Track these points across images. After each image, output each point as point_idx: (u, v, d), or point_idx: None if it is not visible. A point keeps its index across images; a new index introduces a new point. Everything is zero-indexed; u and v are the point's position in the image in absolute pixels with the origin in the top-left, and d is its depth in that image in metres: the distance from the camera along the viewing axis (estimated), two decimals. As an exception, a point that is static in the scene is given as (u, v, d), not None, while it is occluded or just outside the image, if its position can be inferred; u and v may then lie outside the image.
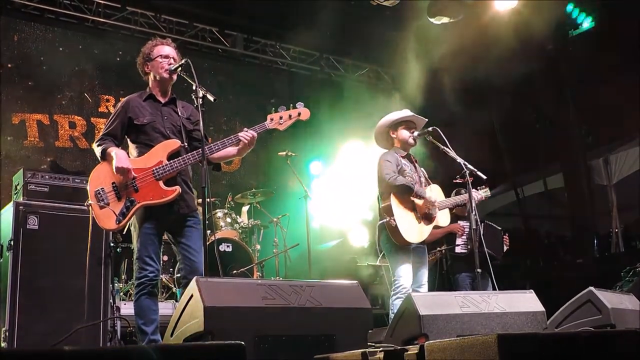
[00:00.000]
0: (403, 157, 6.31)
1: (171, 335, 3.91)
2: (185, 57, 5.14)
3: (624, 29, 9.07)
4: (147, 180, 4.91)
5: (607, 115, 9.30)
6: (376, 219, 6.43)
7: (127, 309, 6.83)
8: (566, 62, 10.20)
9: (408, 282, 5.99)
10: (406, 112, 6.43)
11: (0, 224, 6.30)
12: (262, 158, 10.77)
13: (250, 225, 8.68)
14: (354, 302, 4.23)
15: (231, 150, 5.15)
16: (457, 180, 6.45)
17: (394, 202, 6.06)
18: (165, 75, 5.14)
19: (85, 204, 5.01)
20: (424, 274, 6.26)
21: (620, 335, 3.32)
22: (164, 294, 7.75)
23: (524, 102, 10.77)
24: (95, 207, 4.91)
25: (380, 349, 3.81)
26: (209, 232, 5.38)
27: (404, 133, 6.34)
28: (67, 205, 6.16)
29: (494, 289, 5.86)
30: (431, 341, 3.53)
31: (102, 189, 4.93)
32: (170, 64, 5.14)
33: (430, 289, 6.52)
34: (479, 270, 5.77)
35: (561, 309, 5.24)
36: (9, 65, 9.18)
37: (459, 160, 6.11)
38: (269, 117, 5.17)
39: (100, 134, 5.23)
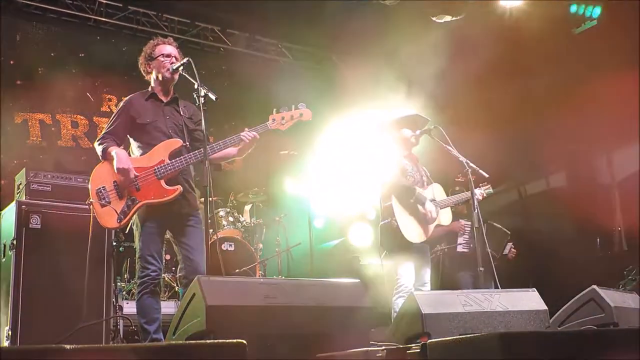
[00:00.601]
0: (405, 156, 6.31)
1: (173, 334, 3.91)
2: (186, 56, 5.15)
3: (628, 26, 9.05)
4: (148, 179, 4.91)
5: (611, 112, 9.27)
6: (378, 218, 6.43)
7: (129, 307, 6.83)
8: (569, 60, 10.17)
9: (410, 281, 5.99)
10: (409, 111, 6.42)
11: (2, 223, 6.31)
12: (264, 157, 10.74)
13: (252, 224, 8.67)
14: (356, 301, 4.22)
15: (231, 150, 5.16)
16: (459, 179, 6.45)
17: (395, 202, 6.05)
18: (167, 74, 5.14)
19: (87, 202, 5.02)
20: (427, 273, 6.26)
21: (623, 334, 3.31)
22: (166, 293, 7.76)
23: (524, 101, 10.74)
24: (96, 206, 4.92)
25: (383, 347, 3.81)
26: (210, 231, 5.37)
27: (407, 132, 6.34)
28: (69, 205, 6.15)
29: (496, 287, 5.85)
30: (433, 340, 3.52)
31: (103, 187, 4.94)
32: (172, 63, 5.14)
33: (432, 288, 6.51)
34: (481, 268, 5.76)
35: (564, 307, 5.23)
36: (11, 62, 9.17)
37: (461, 158, 6.10)
38: (270, 117, 5.17)
39: (102, 132, 5.24)
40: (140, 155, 5.05)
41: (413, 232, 6.03)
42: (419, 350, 3.26)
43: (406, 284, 5.95)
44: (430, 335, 4.14)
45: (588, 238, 10.27)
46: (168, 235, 5.17)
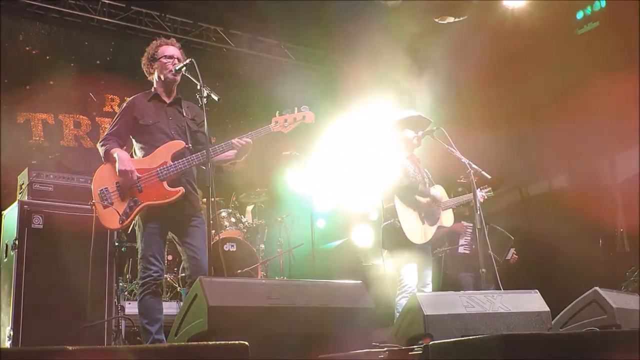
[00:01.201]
0: (407, 158, 6.31)
1: (175, 335, 3.91)
2: (189, 56, 5.15)
3: (630, 27, 9.04)
4: (151, 180, 4.91)
5: (613, 114, 9.26)
6: (380, 219, 6.43)
7: (131, 308, 6.84)
8: (572, 59, 10.17)
9: (413, 281, 5.98)
10: (411, 112, 6.42)
11: (4, 223, 6.32)
12: (266, 157, 10.75)
13: (254, 225, 8.67)
14: (358, 302, 4.22)
15: (230, 153, 5.15)
16: (462, 180, 6.45)
17: (397, 203, 6.05)
18: (170, 75, 5.14)
19: (89, 203, 5.02)
20: (429, 274, 6.26)
21: (625, 336, 3.31)
22: (168, 294, 7.76)
23: (526, 102, 10.74)
24: (98, 207, 4.93)
25: (385, 348, 3.81)
26: (213, 231, 5.37)
27: (409, 133, 6.34)
28: (71, 205, 6.16)
29: (498, 289, 5.85)
30: (435, 341, 3.52)
31: (106, 188, 4.94)
32: (174, 64, 5.14)
33: (434, 289, 6.52)
34: (483, 270, 5.76)
35: (566, 309, 5.22)
36: (14, 62, 9.18)
37: (464, 160, 6.10)
38: (273, 120, 5.17)
39: (105, 133, 5.24)
40: (143, 157, 5.05)
41: (415, 233, 6.03)
42: (420, 352, 3.26)
43: (409, 285, 5.95)
44: (432, 336, 4.14)
45: (590, 239, 10.26)
46: (171, 236, 5.17)
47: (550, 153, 10.55)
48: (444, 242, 8.26)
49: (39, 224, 5.97)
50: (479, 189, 6.59)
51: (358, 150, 10.62)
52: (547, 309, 4.77)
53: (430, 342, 3.28)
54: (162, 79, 5.20)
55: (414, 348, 3.63)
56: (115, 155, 4.96)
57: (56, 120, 9.47)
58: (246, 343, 2.80)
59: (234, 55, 11.18)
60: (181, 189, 4.93)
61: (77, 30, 9.89)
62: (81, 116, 9.71)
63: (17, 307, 5.69)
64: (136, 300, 5.51)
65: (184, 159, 4.98)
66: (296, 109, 5.19)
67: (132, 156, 5.07)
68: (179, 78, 5.17)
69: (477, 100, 9.96)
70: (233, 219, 8.53)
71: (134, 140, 5.19)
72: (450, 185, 7.37)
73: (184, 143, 5.07)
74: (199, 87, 4.86)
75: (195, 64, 4.94)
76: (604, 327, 4.80)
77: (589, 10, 9.86)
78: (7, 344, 5.63)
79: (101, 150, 5.08)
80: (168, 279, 7.68)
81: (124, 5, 10.01)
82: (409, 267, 6.02)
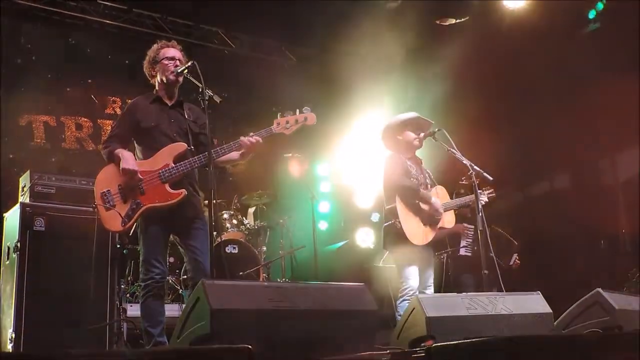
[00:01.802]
0: (409, 159, 6.31)
1: (178, 338, 3.90)
2: (190, 58, 5.15)
3: (632, 28, 9.04)
4: (153, 182, 4.91)
5: (615, 114, 9.26)
6: (382, 221, 6.42)
7: (133, 310, 6.84)
8: (574, 60, 10.16)
9: (415, 283, 5.98)
10: (412, 114, 6.42)
11: (6, 225, 6.32)
12: (268, 159, 10.76)
13: (256, 227, 8.67)
14: (360, 304, 4.22)
15: (234, 154, 5.15)
16: (463, 182, 6.44)
17: (399, 204, 6.05)
18: (172, 77, 5.14)
19: (92, 205, 5.02)
20: (430, 276, 6.26)
21: (627, 337, 3.31)
22: (170, 296, 7.75)
23: (527, 103, 10.74)
24: (101, 209, 4.93)
25: (388, 351, 3.81)
26: (214, 233, 5.38)
27: (409, 135, 6.34)
28: (73, 207, 6.16)
29: (500, 290, 5.84)
30: (438, 344, 3.52)
31: (108, 190, 4.94)
32: (176, 66, 5.14)
33: (436, 291, 6.51)
34: (485, 271, 5.75)
35: (568, 310, 5.22)
36: (15, 64, 9.19)
37: (465, 161, 6.09)
38: (275, 121, 5.16)
39: (107, 136, 5.25)
40: (145, 159, 5.05)
41: (417, 234, 6.03)
42: (423, 354, 3.26)
43: (411, 287, 5.94)
44: (435, 338, 4.14)
45: (592, 240, 10.26)
46: (173, 238, 5.17)
47: (552, 153, 10.55)
48: (446, 244, 8.25)
49: (40, 226, 5.97)
50: (480, 191, 6.59)
51: (360, 151, 10.65)
52: (550, 310, 4.77)
53: (433, 344, 3.28)
54: (164, 82, 5.19)
55: (417, 350, 3.63)
56: (119, 154, 4.96)
57: (58, 123, 9.48)
58: (249, 346, 2.80)
59: (235, 57, 11.18)
60: (183, 191, 4.93)
61: (79, 33, 9.89)
62: (83, 118, 9.71)
63: (19, 309, 5.69)
64: (138, 302, 5.52)
65: (186, 160, 4.98)
66: (298, 110, 5.18)
67: (135, 158, 5.07)
68: (180, 80, 5.16)
69: (479, 101, 9.95)
70: (235, 221, 8.53)
71: (135, 143, 5.19)
72: (452, 187, 7.36)
73: (186, 145, 5.07)
74: (200, 89, 4.86)
75: (197, 66, 4.95)
76: (607, 329, 4.79)
77: (600, 5, 9.84)
78: (9, 347, 5.63)
79: (104, 152, 5.08)
80: (170, 281, 7.67)
81: (125, 8, 10.01)
82: (410, 269, 6.01)
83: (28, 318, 5.69)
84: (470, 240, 8.04)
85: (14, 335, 5.61)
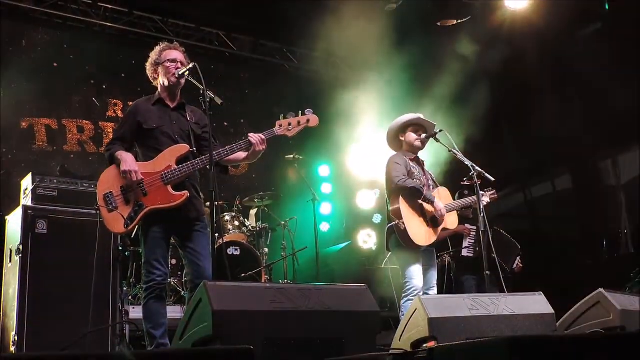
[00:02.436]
0: (412, 160, 6.32)
1: (180, 340, 3.91)
2: (192, 61, 5.15)
3: (634, 27, 9.04)
4: (155, 184, 4.91)
5: (616, 115, 9.25)
6: (384, 222, 6.43)
7: (135, 313, 6.84)
8: (575, 61, 10.16)
9: (419, 283, 5.99)
10: (414, 115, 6.43)
11: (8, 228, 6.33)
12: (270, 161, 10.76)
13: (258, 229, 8.67)
14: (362, 305, 4.22)
15: (241, 154, 5.14)
16: (465, 182, 6.45)
17: (402, 204, 6.05)
18: (173, 79, 5.14)
19: (94, 207, 5.03)
20: (433, 276, 6.26)
21: (630, 337, 3.30)
22: (172, 298, 7.75)
23: (528, 103, 10.74)
24: (103, 211, 4.93)
25: (389, 352, 3.81)
26: (216, 235, 5.37)
27: (412, 136, 6.35)
28: (75, 210, 6.18)
29: (502, 291, 5.84)
30: (440, 345, 3.52)
31: (110, 192, 4.94)
32: (177, 68, 5.14)
33: (439, 292, 6.51)
34: (487, 272, 5.75)
35: (571, 310, 5.21)
36: (17, 67, 9.20)
37: (467, 162, 6.10)
38: (277, 123, 5.16)
39: (110, 139, 5.26)
40: (147, 161, 5.05)
41: (420, 235, 6.03)
42: (425, 355, 3.25)
43: (415, 286, 5.95)
44: (437, 339, 4.13)
45: (594, 240, 10.26)
46: (174, 240, 5.17)
47: (554, 154, 10.55)
48: (448, 245, 8.25)
49: (43, 229, 5.98)
50: (483, 193, 6.59)
51: (363, 152, 10.65)
52: (552, 311, 4.76)
53: (435, 346, 3.28)
54: (166, 84, 5.19)
55: (419, 351, 3.63)
56: (119, 156, 4.97)
57: (59, 125, 9.49)
58: (251, 347, 2.80)
59: (236, 59, 11.19)
60: (186, 193, 4.94)
61: (80, 36, 9.90)
62: (84, 121, 9.72)
63: (22, 312, 5.70)
64: (140, 304, 5.52)
65: (189, 162, 4.98)
66: (300, 112, 5.18)
67: (136, 160, 5.07)
68: (182, 82, 5.16)
69: (479, 102, 9.96)
70: (237, 223, 8.52)
71: (138, 145, 5.19)
72: (455, 188, 7.37)
73: (188, 147, 5.07)
74: (202, 91, 4.87)
75: (198, 68, 4.95)
76: (609, 329, 4.79)
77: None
78: (12, 349, 5.64)
79: (107, 155, 5.09)
80: (172, 283, 7.67)
81: (127, 10, 10.02)
82: (414, 269, 6.02)
83: (30, 320, 5.70)
84: (473, 241, 8.04)
85: (16, 338, 5.62)
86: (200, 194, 5.24)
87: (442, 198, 6.31)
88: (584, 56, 9.76)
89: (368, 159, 10.40)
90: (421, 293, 5.90)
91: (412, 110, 6.67)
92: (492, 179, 6.16)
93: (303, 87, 11.53)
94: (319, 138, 9.84)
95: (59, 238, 6.01)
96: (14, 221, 6.17)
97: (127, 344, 6.39)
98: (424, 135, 6.33)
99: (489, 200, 6.83)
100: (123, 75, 9.95)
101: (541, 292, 4.91)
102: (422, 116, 6.44)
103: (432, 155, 7.26)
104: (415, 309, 4.38)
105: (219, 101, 4.86)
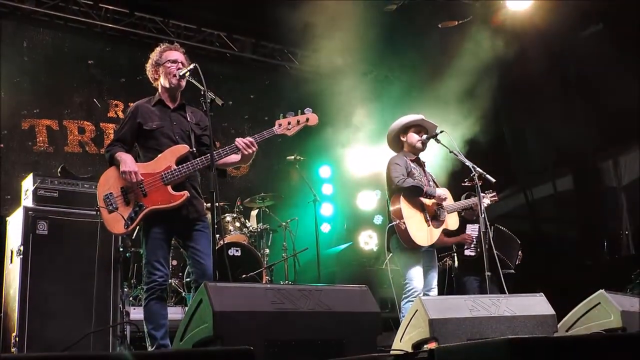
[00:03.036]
0: (412, 161, 6.32)
1: (181, 340, 3.91)
2: (193, 62, 5.15)
3: (632, 28, 9.04)
4: (155, 185, 4.91)
5: (617, 115, 9.26)
6: (385, 223, 6.43)
7: (136, 313, 6.84)
8: (575, 62, 10.17)
9: (419, 284, 5.98)
10: (416, 116, 6.43)
11: (9, 229, 6.33)
12: (271, 162, 10.77)
13: (259, 230, 8.67)
14: (363, 306, 4.21)
15: (234, 157, 5.14)
16: (466, 184, 6.45)
17: (403, 204, 6.06)
18: (174, 80, 5.14)
19: (95, 208, 5.03)
20: (434, 277, 6.26)
21: (631, 339, 3.30)
22: (173, 299, 7.76)
23: (529, 103, 10.74)
24: (104, 212, 4.93)
25: (390, 353, 3.81)
26: (217, 236, 5.37)
27: (413, 137, 6.35)
28: (76, 211, 6.18)
29: (502, 292, 5.84)
30: (441, 345, 3.52)
31: (110, 193, 4.94)
32: (178, 69, 5.14)
33: (439, 293, 6.51)
34: (488, 273, 5.75)
35: (572, 312, 5.22)
36: (18, 68, 9.21)
37: (468, 163, 6.11)
38: (277, 122, 5.16)
39: (111, 140, 5.26)
40: (148, 161, 5.05)
41: (421, 235, 6.03)
42: (426, 356, 3.25)
43: (415, 288, 5.95)
44: (438, 340, 4.13)
45: (595, 241, 10.26)
46: (175, 241, 5.17)
47: (555, 155, 10.55)
48: (450, 247, 8.24)
49: (43, 230, 5.98)
50: (483, 194, 6.59)
51: (363, 153, 10.66)
52: (553, 312, 4.76)
53: (436, 346, 3.27)
54: (167, 85, 5.19)
55: (420, 352, 3.63)
56: (119, 156, 4.97)
57: (60, 126, 9.49)
58: (251, 348, 2.80)
59: (237, 60, 11.20)
60: (186, 193, 4.93)
61: (81, 37, 9.91)
62: (85, 122, 9.72)
63: (22, 312, 5.70)
64: (141, 305, 5.52)
65: (189, 163, 4.98)
66: (299, 111, 5.19)
67: (136, 161, 5.07)
68: (183, 84, 5.16)
69: (480, 102, 9.96)
70: (237, 224, 8.52)
71: (138, 145, 5.19)
72: (457, 190, 7.36)
73: (188, 147, 5.07)
74: (202, 92, 4.87)
75: (199, 69, 4.95)
76: (610, 330, 4.79)
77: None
78: (13, 350, 5.64)
79: (107, 156, 5.09)
80: (173, 283, 7.67)
81: (128, 12, 10.02)
82: (414, 270, 6.02)
83: (31, 321, 5.70)
84: (475, 242, 8.03)
85: (17, 338, 5.62)
86: (201, 194, 5.24)
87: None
88: (585, 57, 9.76)
89: (369, 160, 10.40)
90: (421, 294, 5.90)
91: (412, 110, 6.67)
92: (493, 180, 6.16)
93: (304, 88, 11.51)
94: (320, 139, 9.85)
95: (59, 239, 6.01)
96: (15, 222, 6.17)
97: (128, 345, 6.39)
98: (424, 136, 6.33)
99: (489, 202, 6.83)
100: (124, 76, 9.96)
101: (542, 293, 4.91)
102: (424, 117, 6.44)
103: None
104: (416, 310, 4.38)
105: (219, 102, 4.86)
